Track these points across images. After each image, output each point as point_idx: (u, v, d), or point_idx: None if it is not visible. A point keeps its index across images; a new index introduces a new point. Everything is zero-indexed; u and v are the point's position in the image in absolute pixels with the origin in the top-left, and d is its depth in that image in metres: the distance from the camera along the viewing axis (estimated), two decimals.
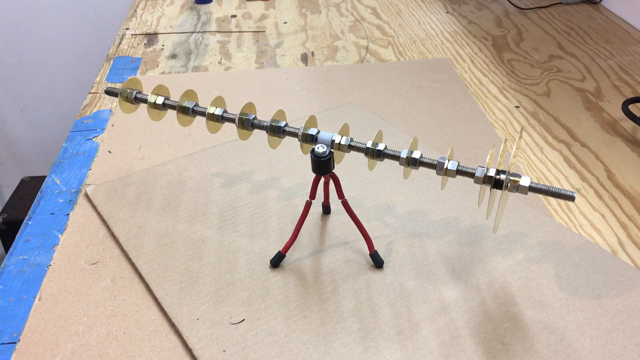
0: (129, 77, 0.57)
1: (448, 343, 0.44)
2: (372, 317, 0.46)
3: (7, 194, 1.54)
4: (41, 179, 1.27)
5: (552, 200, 0.59)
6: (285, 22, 1.06)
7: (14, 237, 0.56)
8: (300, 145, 0.50)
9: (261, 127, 0.51)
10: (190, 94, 0.54)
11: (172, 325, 0.46)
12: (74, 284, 0.50)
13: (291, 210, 0.57)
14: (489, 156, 0.44)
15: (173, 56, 0.93)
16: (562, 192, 0.43)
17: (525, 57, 0.91)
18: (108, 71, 0.89)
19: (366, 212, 0.57)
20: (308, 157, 0.52)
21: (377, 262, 0.50)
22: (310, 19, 1.08)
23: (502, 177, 0.44)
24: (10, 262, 0.53)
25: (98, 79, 0.87)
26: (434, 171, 0.48)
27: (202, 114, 0.53)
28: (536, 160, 0.66)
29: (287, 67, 0.89)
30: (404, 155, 0.46)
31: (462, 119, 0.73)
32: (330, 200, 0.57)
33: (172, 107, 0.54)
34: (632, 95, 0.79)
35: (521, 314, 0.46)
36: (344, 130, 0.49)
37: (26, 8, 1.43)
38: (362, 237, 0.51)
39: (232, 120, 0.51)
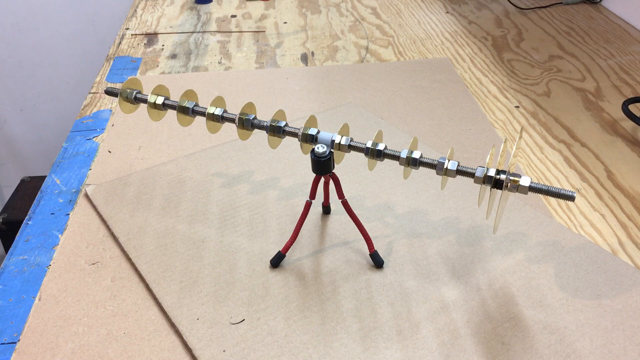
0: (129, 77, 0.57)
1: (448, 343, 0.44)
2: (372, 317, 0.46)
3: (7, 194, 1.54)
4: (41, 179, 1.27)
5: (552, 200, 0.59)
6: (285, 22, 1.06)
7: (14, 237, 0.56)
8: (300, 145, 0.50)
9: (261, 127, 0.51)
10: (190, 94, 0.54)
11: (172, 325, 0.46)
12: (74, 284, 0.50)
13: (291, 210, 0.57)
14: (489, 156, 0.44)
15: (173, 56, 0.93)
16: (562, 192, 0.43)
17: (525, 57, 0.91)
18: (108, 71, 0.89)
19: (366, 212, 0.57)
20: (308, 157, 0.52)
21: (377, 262, 0.50)
22: (310, 19, 1.08)
23: (502, 177, 0.44)
24: (10, 262, 0.53)
25: (98, 79, 0.87)
26: (434, 171, 0.48)
27: (202, 114, 0.53)
28: (536, 160, 0.66)
29: (287, 67, 0.89)
30: (404, 155, 0.46)
31: (462, 119, 0.73)
32: (330, 200, 0.57)
33: (172, 107, 0.54)
34: (632, 95, 0.79)
35: (521, 314, 0.46)
36: (344, 130, 0.49)
37: (26, 8, 1.43)
38: (362, 237, 0.51)
39: (232, 120, 0.51)
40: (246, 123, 0.51)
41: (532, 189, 0.43)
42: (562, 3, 1.11)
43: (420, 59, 0.90)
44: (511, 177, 0.43)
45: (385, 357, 0.43)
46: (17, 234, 0.57)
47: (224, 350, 0.43)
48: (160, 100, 0.54)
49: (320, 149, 0.48)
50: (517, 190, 0.44)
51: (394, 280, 0.49)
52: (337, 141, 0.48)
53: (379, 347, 0.44)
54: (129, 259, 0.52)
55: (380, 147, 0.47)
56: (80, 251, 0.53)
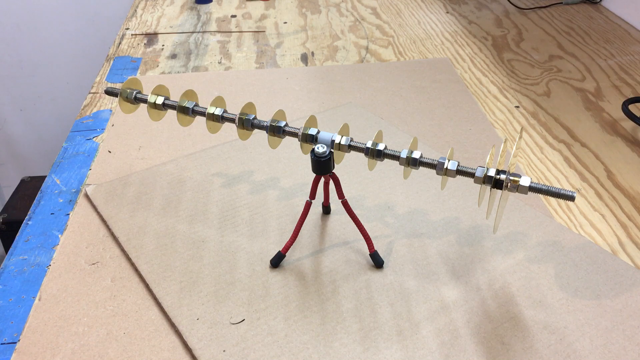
0: (129, 77, 0.57)
1: (448, 343, 0.44)
2: (372, 317, 0.46)
3: (7, 194, 1.54)
4: (41, 179, 1.27)
5: (552, 200, 0.59)
6: (285, 22, 1.06)
7: (14, 237, 0.56)
8: (300, 145, 0.50)
9: (261, 127, 0.51)
10: (190, 94, 0.54)
11: (172, 325, 0.46)
12: (74, 284, 0.50)
13: (291, 210, 0.57)
14: (489, 156, 0.44)
15: (173, 56, 0.93)
16: (562, 192, 0.43)
17: (525, 57, 0.91)
18: (108, 71, 0.89)
19: (366, 212, 0.57)
20: (308, 157, 0.52)
21: (377, 262, 0.50)
22: (310, 19, 1.08)
23: (502, 177, 0.44)
24: (10, 262, 0.53)
25: (98, 79, 0.87)
26: (434, 171, 0.48)
27: (202, 114, 0.53)
28: (536, 160, 0.66)
29: (287, 67, 0.89)
30: (404, 155, 0.46)
31: (462, 119, 0.73)
32: (330, 200, 0.57)
33: (172, 107, 0.54)
34: (632, 95, 0.79)
35: (521, 314, 0.46)
36: (344, 130, 0.49)
37: (26, 8, 1.43)
38: (362, 237, 0.51)
39: (232, 120, 0.51)
40: (246, 123, 0.51)
41: (532, 189, 0.43)
42: (562, 3, 1.11)
43: (420, 59, 0.90)
44: (511, 177, 0.43)
45: (385, 357, 0.43)
46: (17, 234, 0.57)
47: (224, 350, 0.43)
48: (160, 100, 0.54)
49: (320, 149, 0.48)
50: (517, 190, 0.44)
51: (394, 280, 0.49)
52: (337, 141, 0.48)
53: (379, 347, 0.44)
54: (129, 259, 0.52)
55: (380, 147, 0.47)
56: (80, 251, 0.53)
